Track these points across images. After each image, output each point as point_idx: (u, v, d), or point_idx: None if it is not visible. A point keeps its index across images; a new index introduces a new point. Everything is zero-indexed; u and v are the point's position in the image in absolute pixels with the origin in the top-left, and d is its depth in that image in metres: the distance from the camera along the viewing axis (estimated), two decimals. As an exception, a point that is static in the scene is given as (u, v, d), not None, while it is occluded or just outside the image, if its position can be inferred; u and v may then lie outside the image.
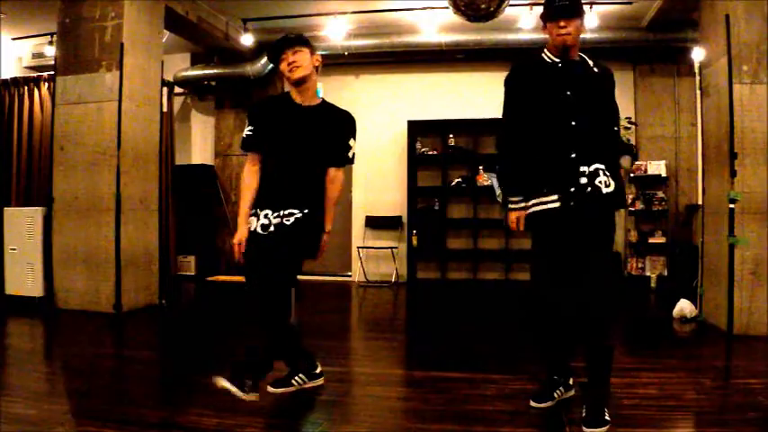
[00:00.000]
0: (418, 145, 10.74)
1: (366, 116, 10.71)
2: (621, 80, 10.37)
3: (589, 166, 3.64)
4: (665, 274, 10.01)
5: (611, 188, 3.67)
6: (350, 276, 11.05)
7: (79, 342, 6.08)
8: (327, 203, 4.10)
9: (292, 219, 3.88)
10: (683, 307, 7.16)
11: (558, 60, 3.77)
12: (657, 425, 3.54)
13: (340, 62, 10.44)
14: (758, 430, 3.44)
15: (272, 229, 3.86)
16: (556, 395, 4.03)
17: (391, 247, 10.70)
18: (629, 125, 9.89)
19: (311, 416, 4.02)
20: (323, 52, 10.07)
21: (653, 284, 9.98)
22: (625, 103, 10.16)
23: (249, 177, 4.02)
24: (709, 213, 6.95)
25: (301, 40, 4.05)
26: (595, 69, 3.81)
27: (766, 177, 6.22)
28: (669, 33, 8.95)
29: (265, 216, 3.89)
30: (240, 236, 3.90)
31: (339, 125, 4.15)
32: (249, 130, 4.06)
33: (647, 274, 10.14)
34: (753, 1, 6.34)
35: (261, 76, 10.60)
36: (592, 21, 8.81)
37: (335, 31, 9.59)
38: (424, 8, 8.96)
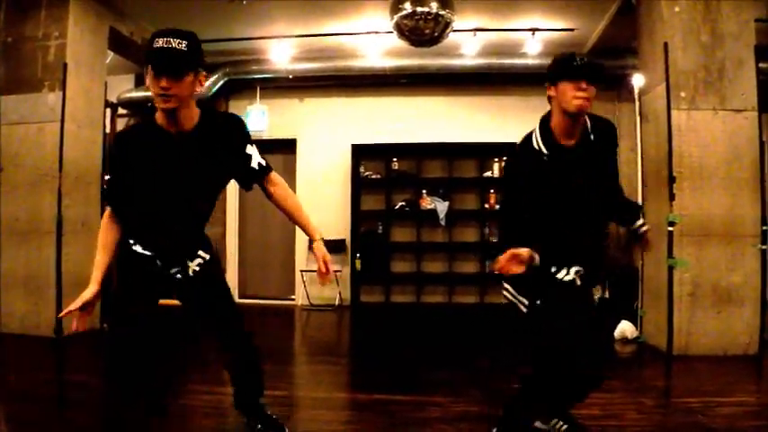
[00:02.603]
0: (362, 168, 10.75)
1: (310, 140, 10.72)
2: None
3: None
4: (607, 296, 10.13)
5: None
6: (293, 300, 10.94)
7: (19, 367, 5.93)
8: (296, 213, 3.61)
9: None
10: (624, 328, 7.27)
11: (548, 153, 3.30)
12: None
13: (284, 85, 10.44)
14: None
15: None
16: None
17: (335, 271, 10.61)
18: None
19: (255, 440, 3.96)
20: (267, 75, 10.10)
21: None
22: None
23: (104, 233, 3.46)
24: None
25: (187, 61, 3.03)
26: (592, 136, 3.40)
27: (703, 201, 6.36)
28: (610, 60, 9.11)
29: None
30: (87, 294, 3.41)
31: (226, 142, 3.36)
32: (109, 180, 3.35)
33: (589, 296, 10.23)
34: (690, 30, 6.52)
35: (206, 98, 10.49)
36: (535, 47, 8.95)
37: (280, 55, 9.59)
38: (369, 32, 9.01)
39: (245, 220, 11.31)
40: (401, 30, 7.32)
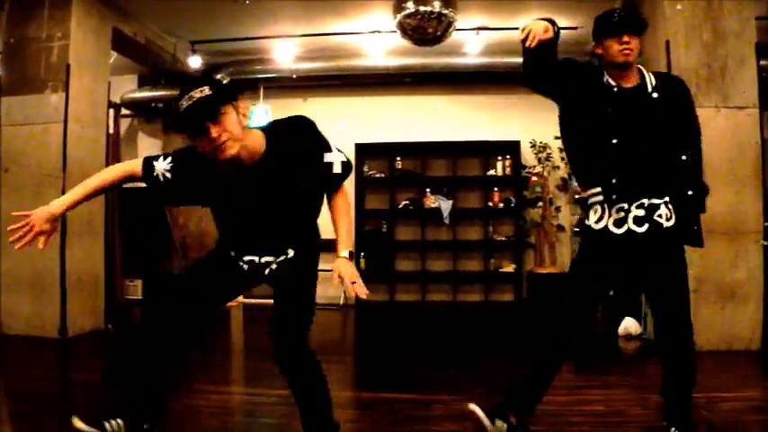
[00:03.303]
0: (366, 167, 10.79)
1: (314, 139, 10.72)
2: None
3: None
4: (611, 293, 10.14)
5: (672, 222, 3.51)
6: (298, 299, 10.92)
7: (23, 367, 5.96)
8: (338, 220, 3.32)
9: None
10: (628, 325, 7.29)
11: (614, 84, 3.49)
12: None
13: (288, 85, 10.46)
14: (702, 442, 3.52)
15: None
16: None
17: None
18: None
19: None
20: (271, 75, 10.10)
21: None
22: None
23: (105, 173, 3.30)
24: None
25: (220, 104, 2.84)
26: (654, 95, 3.46)
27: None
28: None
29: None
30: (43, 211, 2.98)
31: (301, 156, 3.14)
32: (166, 175, 3.18)
33: (593, 293, 10.26)
34: (692, 28, 6.54)
35: (210, 99, 10.53)
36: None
37: (283, 55, 9.62)
38: (372, 32, 9.02)
39: (249, 220, 11.22)
40: (404, 29, 7.36)
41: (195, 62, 9.70)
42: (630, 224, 3.43)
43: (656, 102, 3.44)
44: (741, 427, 4.02)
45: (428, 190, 10.65)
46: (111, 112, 9.19)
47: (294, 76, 10.10)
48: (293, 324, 3.33)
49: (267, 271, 3.27)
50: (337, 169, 3.20)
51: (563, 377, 3.76)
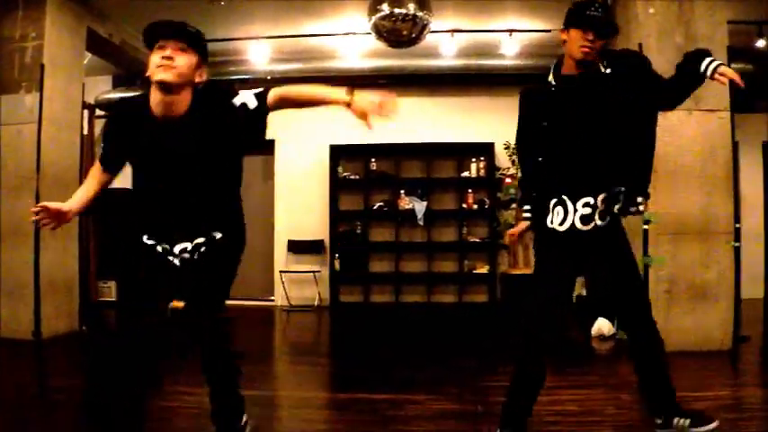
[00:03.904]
0: (340, 169, 10.79)
1: (289, 140, 10.70)
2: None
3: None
4: (584, 293, 10.23)
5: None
6: (273, 301, 10.96)
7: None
8: (310, 96, 3.41)
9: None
10: (601, 326, 7.36)
11: (555, 83, 3.51)
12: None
13: (262, 86, 10.40)
14: (674, 441, 3.56)
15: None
16: None
17: (314, 271, 10.66)
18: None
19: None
20: (245, 76, 10.06)
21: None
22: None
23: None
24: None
25: (194, 37, 3.19)
26: (607, 71, 3.45)
27: (678, 199, 6.44)
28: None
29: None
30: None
31: (213, 112, 3.18)
32: (102, 148, 3.43)
33: (567, 294, 10.35)
34: (664, 31, 6.61)
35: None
36: (512, 48, 9.02)
37: (258, 56, 9.58)
38: (347, 34, 9.03)
39: (223, 222, 11.17)
40: (379, 31, 7.36)
41: (169, 63, 9.61)
42: (597, 220, 3.45)
43: (609, 78, 3.44)
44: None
45: (402, 191, 10.69)
46: (86, 113, 9.13)
47: (269, 78, 10.08)
48: (211, 312, 3.44)
49: (179, 261, 3.24)
50: (252, 103, 3.18)
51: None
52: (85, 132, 8.97)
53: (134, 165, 3.30)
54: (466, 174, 10.63)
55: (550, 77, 3.54)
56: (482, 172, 10.57)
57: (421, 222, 10.58)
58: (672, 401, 3.59)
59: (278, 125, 10.19)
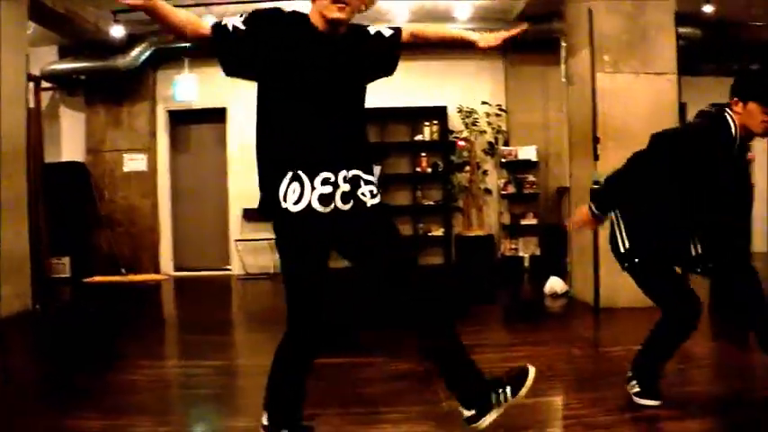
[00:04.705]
0: (295, 134, 10.76)
1: (241, 108, 10.60)
2: (493, 69, 10.78)
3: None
4: (538, 253, 10.46)
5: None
6: (229, 270, 11.00)
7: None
8: (443, 35, 3.49)
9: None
10: (554, 284, 7.55)
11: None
12: (532, 395, 3.75)
13: (213, 54, 10.30)
14: (622, 391, 3.71)
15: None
16: None
17: (269, 239, 10.68)
18: (499, 112, 10.29)
19: (198, 411, 4.02)
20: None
21: (526, 264, 10.45)
22: (496, 91, 10.54)
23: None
24: (576, 195, 7.33)
25: None
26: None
27: (625, 159, 6.60)
28: (538, 25, 9.30)
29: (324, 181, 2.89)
30: None
31: (361, 36, 3.19)
32: (238, 27, 3.01)
33: (521, 254, 10.58)
34: (614, -4, 6.75)
35: (133, 69, 10.30)
36: (465, 13, 9.10)
37: (209, 22, 9.46)
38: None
39: (177, 192, 11.21)
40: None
41: (117, 32, 9.51)
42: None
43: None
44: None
45: (359, 156, 10.69)
46: (31, 85, 8.98)
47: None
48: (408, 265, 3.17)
49: (351, 202, 2.95)
50: (388, 32, 3.25)
51: (492, 336, 3.91)
52: (31, 105, 8.80)
53: (277, 80, 3.00)
54: (419, 137, 10.72)
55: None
56: (435, 135, 10.66)
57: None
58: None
59: (230, 93, 10.27)
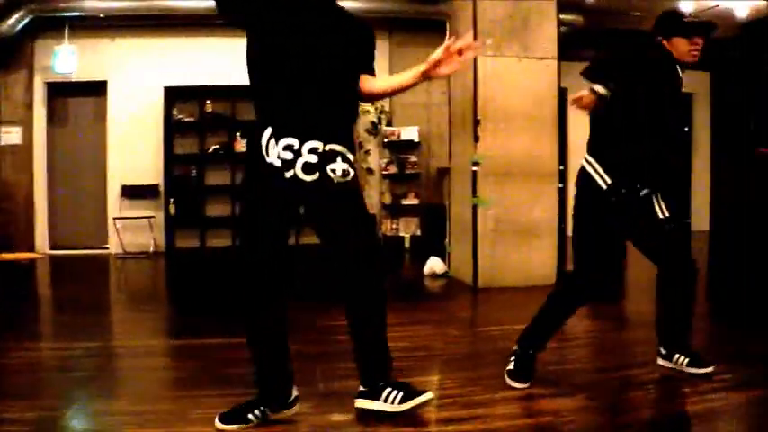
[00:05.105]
0: (175, 111, 10.54)
1: (121, 82, 10.34)
2: (378, 48, 10.70)
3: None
4: (419, 233, 10.55)
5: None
6: (107, 249, 10.67)
7: None
8: (392, 86, 3.50)
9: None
10: (434, 264, 7.62)
11: None
12: (410, 374, 3.76)
13: (95, 24, 9.99)
14: (497, 370, 3.75)
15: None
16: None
17: (148, 217, 10.45)
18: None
19: (71, 394, 3.83)
20: (77, 14, 9.60)
21: (407, 244, 10.52)
22: (381, 71, 10.48)
23: None
24: (455, 176, 7.41)
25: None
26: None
27: (506, 142, 6.71)
28: (424, 6, 9.33)
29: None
30: None
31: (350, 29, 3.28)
32: None
33: (402, 234, 10.66)
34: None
35: (9, 37, 9.78)
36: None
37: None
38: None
39: (53, 168, 10.78)
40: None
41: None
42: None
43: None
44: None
45: (239, 134, 10.56)
46: None
47: (102, 15, 9.66)
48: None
49: (317, 175, 2.96)
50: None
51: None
52: None
53: (264, 38, 3.11)
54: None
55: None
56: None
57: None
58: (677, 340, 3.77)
59: (110, 66, 9.94)
